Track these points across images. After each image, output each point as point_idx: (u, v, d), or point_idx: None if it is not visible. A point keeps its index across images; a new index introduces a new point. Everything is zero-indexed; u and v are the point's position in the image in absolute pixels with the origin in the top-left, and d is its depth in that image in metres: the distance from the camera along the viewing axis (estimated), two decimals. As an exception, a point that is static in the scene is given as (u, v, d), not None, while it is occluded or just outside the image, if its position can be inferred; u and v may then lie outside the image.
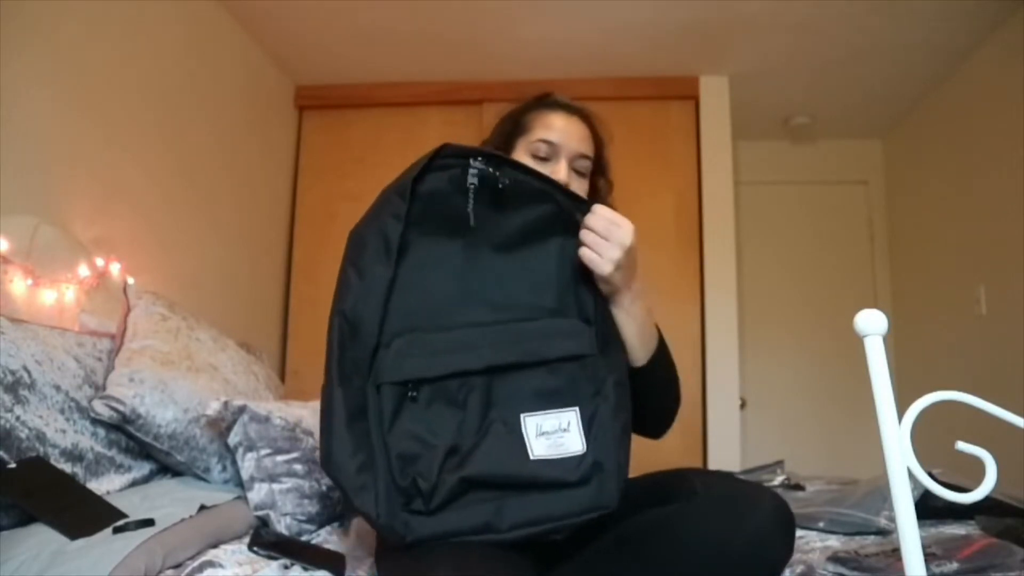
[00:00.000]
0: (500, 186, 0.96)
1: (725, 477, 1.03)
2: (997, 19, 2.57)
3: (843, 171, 3.72)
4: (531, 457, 0.89)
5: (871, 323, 0.71)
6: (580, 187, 1.21)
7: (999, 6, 2.50)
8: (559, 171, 1.17)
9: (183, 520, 1.09)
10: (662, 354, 1.15)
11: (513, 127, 1.24)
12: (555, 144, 1.18)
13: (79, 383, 1.35)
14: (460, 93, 3.14)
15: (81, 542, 0.98)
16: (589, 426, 0.91)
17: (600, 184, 1.27)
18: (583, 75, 2.99)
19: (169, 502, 1.21)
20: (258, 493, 1.26)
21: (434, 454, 0.88)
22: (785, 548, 0.93)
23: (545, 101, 1.25)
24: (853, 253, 3.66)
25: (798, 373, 3.58)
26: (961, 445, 0.71)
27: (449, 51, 2.93)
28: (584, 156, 1.20)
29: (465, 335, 0.94)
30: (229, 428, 1.31)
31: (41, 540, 0.98)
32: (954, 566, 0.94)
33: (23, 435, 1.17)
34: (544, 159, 1.18)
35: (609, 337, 1.01)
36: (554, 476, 0.87)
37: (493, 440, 0.89)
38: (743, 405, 3.09)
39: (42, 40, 1.76)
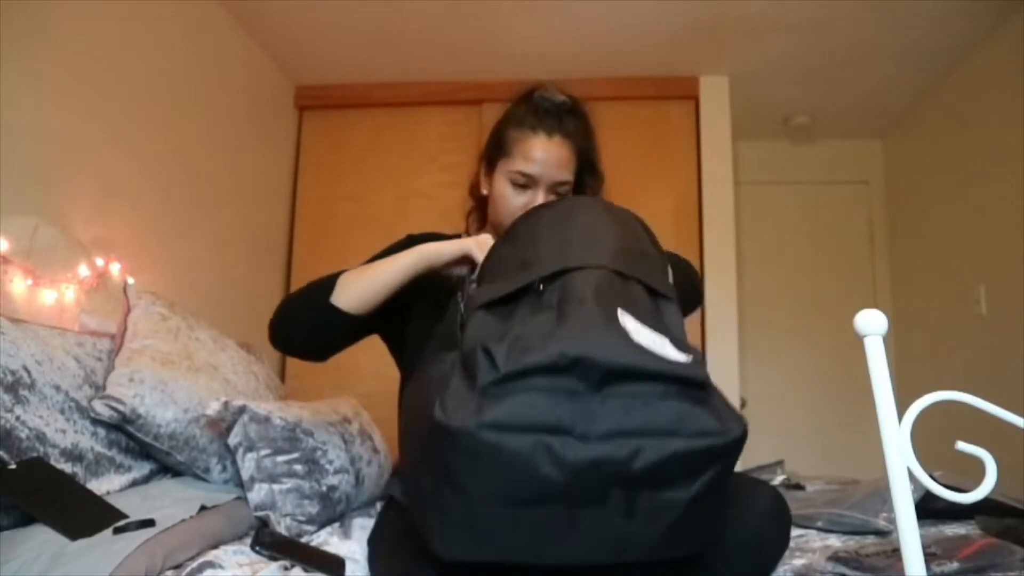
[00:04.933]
0: None
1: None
2: (997, 19, 2.57)
3: (843, 171, 3.72)
4: (633, 340, 0.68)
5: (871, 323, 0.71)
6: None
7: (999, 6, 2.50)
8: (537, 200, 1.20)
9: (183, 521, 1.09)
10: None
11: (497, 147, 1.27)
12: (533, 176, 1.20)
13: (79, 383, 1.35)
14: (460, 93, 3.14)
15: (82, 543, 0.97)
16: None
17: (587, 180, 1.28)
18: (583, 75, 2.99)
19: (169, 502, 1.21)
20: (258, 493, 1.26)
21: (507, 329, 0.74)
22: (781, 542, 0.94)
23: (528, 117, 1.24)
24: (853, 253, 3.66)
25: (798, 373, 3.58)
26: (961, 445, 0.71)
27: (449, 51, 2.93)
28: (564, 182, 1.22)
29: None
30: (229, 428, 1.31)
31: (41, 541, 0.98)
32: (954, 566, 0.94)
33: (23, 435, 1.17)
34: (523, 187, 1.21)
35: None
36: (662, 368, 0.66)
37: (584, 318, 0.70)
38: (743, 405, 3.09)
39: (42, 40, 1.76)
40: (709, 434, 0.66)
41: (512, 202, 1.22)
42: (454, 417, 0.64)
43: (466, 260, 1.09)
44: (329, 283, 1.13)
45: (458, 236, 1.32)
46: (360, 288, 1.11)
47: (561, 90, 1.27)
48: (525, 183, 1.21)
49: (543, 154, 1.20)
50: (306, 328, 1.15)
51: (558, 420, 0.64)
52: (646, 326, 0.72)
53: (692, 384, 0.68)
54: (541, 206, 0.99)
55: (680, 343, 0.73)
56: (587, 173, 1.28)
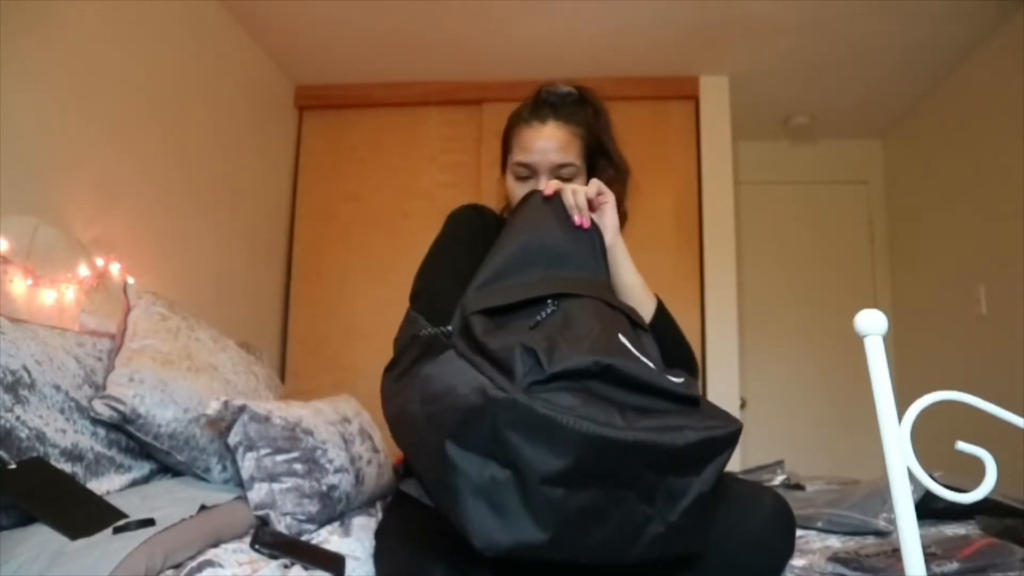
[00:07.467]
0: None
1: (724, 477, 1.03)
2: (997, 19, 2.57)
3: (843, 171, 3.72)
4: (642, 360, 0.79)
5: (871, 323, 0.71)
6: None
7: (999, 6, 2.50)
8: (539, 187, 1.20)
9: (183, 520, 1.09)
10: (662, 311, 1.20)
11: (504, 148, 1.30)
12: (530, 165, 1.23)
13: (79, 383, 1.35)
14: (460, 93, 3.14)
15: (81, 542, 0.97)
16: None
17: (601, 164, 1.29)
18: (583, 75, 2.95)
19: (169, 502, 1.21)
20: (258, 493, 1.26)
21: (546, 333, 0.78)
22: (786, 548, 0.94)
23: (528, 110, 1.27)
24: (853, 253, 3.66)
25: (798, 373, 3.58)
26: (961, 445, 0.71)
27: (449, 51, 2.93)
28: (565, 164, 1.22)
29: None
30: (229, 428, 1.31)
31: (41, 540, 0.98)
32: (954, 566, 0.94)
33: (23, 435, 1.17)
34: (526, 178, 1.24)
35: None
36: (669, 386, 0.76)
37: (598, 337, 0.79)
38: (743, 405, 3.09)
39: (42, 40, 1.76)
40: (718, 427, 0.75)
41: (517, 194, 1.24)
42: (514, 393, 0.68)
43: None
44: None
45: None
46: None
47: (571, 83, 1.30)
48: (527, 174, 1.23)
49: (537, 142, 1.22)
50: None
51: (596, 415, 0.69)
52: (636, 351, 0.81)
53: (693, 402, 0.78)
54: (530, 205, 1.05)
55: (665, 368, 0.83)
56: (599, 157, 1.29)
